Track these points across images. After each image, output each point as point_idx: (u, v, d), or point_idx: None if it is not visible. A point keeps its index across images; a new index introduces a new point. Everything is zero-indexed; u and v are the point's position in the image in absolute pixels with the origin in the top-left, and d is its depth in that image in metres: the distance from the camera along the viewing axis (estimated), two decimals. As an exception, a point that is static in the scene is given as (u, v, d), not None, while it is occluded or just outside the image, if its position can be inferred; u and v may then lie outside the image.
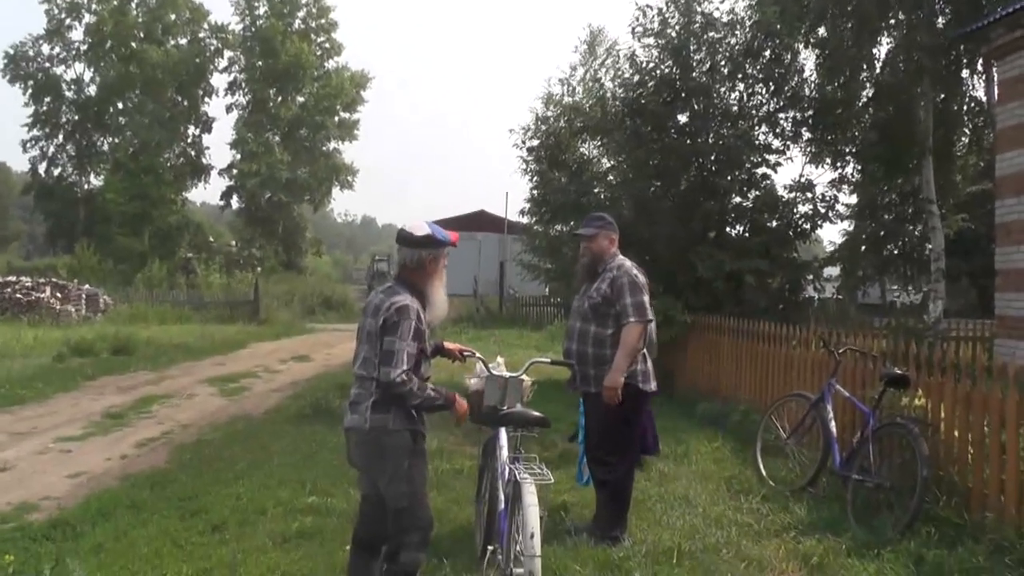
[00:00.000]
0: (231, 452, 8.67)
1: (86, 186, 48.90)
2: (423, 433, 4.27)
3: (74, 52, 48.41)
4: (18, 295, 25.07)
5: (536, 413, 4.69)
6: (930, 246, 13.15)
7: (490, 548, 4.53)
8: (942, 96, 13.73)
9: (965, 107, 14.84)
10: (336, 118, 51.49)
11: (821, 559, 5.43)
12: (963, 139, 15.60)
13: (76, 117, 48.57)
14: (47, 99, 48.09)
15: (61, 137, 48.80)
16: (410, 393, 4.05)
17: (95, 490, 7.26)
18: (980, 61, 12.95)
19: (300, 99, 50.58)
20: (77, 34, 48.14)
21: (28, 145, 48.40)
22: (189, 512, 6.46)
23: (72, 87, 48.79)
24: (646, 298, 5.70)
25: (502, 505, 4.41)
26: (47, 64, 48.31)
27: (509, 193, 66.74)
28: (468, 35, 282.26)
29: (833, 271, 16.98)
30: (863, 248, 16.27)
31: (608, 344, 5.68)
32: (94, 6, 47.29)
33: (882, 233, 15.93)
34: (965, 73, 13.83)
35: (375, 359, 4.09)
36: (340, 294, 37.14)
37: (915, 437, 6.06)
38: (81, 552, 5.51)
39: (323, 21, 51.41)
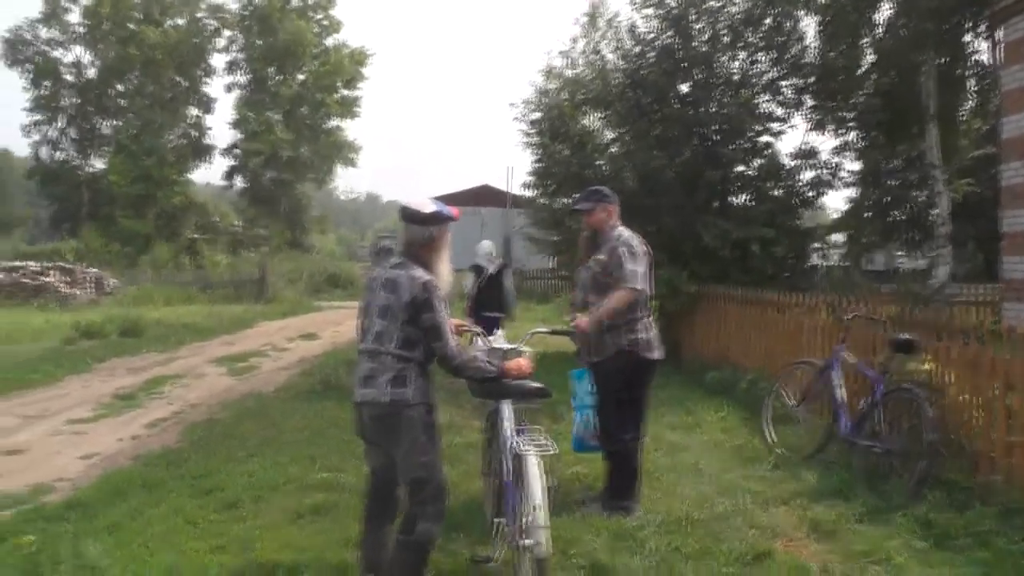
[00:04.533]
0: (242, 430, 8.74)
1: (89, 169, 48.79)
2: (436, 406, 4.32)
3: (72, 35, 48.23)
4: (26, 279, 25.20)
5: (536, 384, 4.70)
6: (935, 211, 13.08)
7: (499, 521, 4.57)
8: (945, 60, 13.60)
9: (969, 71, 14.71)
10: (337, 95, 51.28)
11: (831, 525, 5.47)
12: (968, 103, 15.47)
13: (77, 100, 48.40)
14: (47, 83, 47.93)
15: (63, 121, 48.64)
16: (464, 365, 4.24)
17: (108, 470, 7.32)
18: (984, 24, 12.82)
19: (300, 77, 50.34)
20: (75, 16, 47.94)
21: (30, 129, 48.36)
22: (202, 490, 6.51)
23: (72, 70, 48.63)
24: (642, 268, 5.72)
25: (508, 478, 4.44)
26: (45, 48, 48.11)
27: (512, 167, 66.92)
28: (468, 7, 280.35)
29: (838, 238, 16.95)
30: (868, 214, 16.19)
31: (609, 314, 5.71)
32: (91, -12, 47.06)
33: (887, 199, 15.82)
34: (969, 36, 13.68)
35: (396, 333, 4.16)
36: (346, 271, 37.13)
37: (922, 401, 6.08)
38: (97, 531, 5.56)
39: (320, -1, 51.15)
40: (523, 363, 4.64)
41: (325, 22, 51.29)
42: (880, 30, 13.75)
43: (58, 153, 48.69)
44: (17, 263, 27.07)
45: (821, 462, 6.94)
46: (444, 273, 4.36)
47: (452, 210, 4.43)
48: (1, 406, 10.33)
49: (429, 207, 4.34)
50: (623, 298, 5.61)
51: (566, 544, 4.99)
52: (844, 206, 17.55)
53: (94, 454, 8.06)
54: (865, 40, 13.94)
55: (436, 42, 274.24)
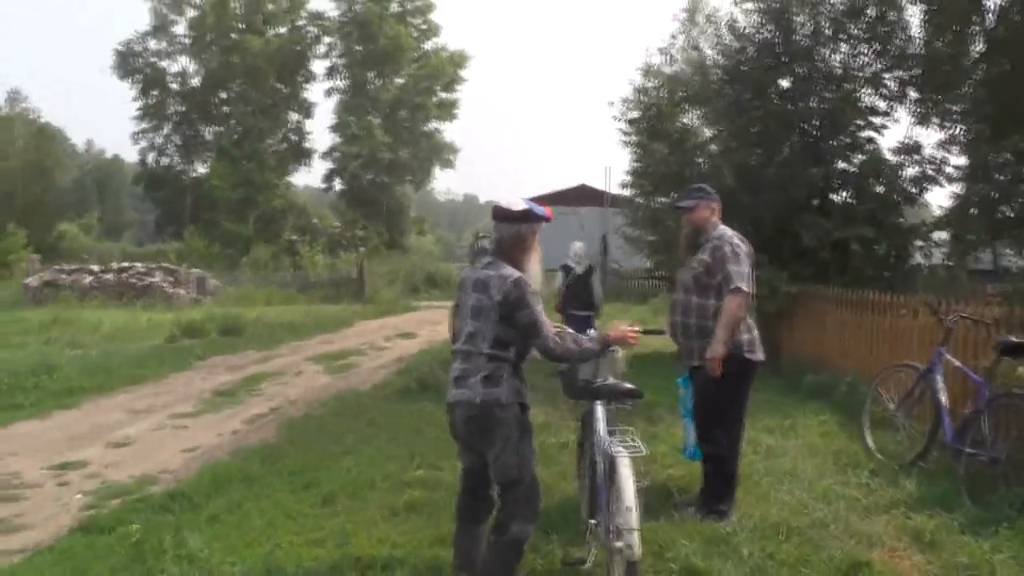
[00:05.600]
0: (339, 427, 8.88)
1: (192, 174, 50.58)
2: (528, 406, 4.33)
3: (178, 46, 50.04)
4: (132, 280, 26.14)
5: (628, 385, 4.68)
6: (1048, 207, 12.54)
7: (592, 522, 4.56)
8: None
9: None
10: (435, 98, 51.96)
11: (933, 536, 5.27)
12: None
13: (182, 108, 50.23)
14: (154, 92, 49.94)
15: (168, 128, 50.58)
16: (568, 352, 4.28)
17: (209, 464, 7.52)
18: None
19: (399, 81, 51.26)
20: (180, 28, 49.84)
21: (138, 137, 50.36)
22: (300, 485, 6.65)
23: (177, 79, 50.51)
24: (747, 268, 5.60)
25: (600, 479, 4.42)
26: (153, 59, 50.12)
27: (610, 167, 66.65)
28: (568, 5, 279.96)
29: (943, 236, 16.36)
30: (974, 211, 15.59)
31: (711, 316, 5.61)
32: (196, 1, 48.68)
33: (995, 195, 15.18)
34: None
35: (488, 333, 4.17)
36: (444, 271, 37.47)
37: (1034, 408, 5.83)
38: (198, 522, 5.74)
39: (419, 3, 51.90)
40: (626, 330, 4.62)
41: (424, 26, 52.11)
42: (992, 17, 13.22)
43: (163, 159, 50.68)
44: (125, 264, 28.12)
45: (922, 469, 6.73)
46: (535, 272, 4.36)
47: (544, 209, 4.42)
48: (110, 401, 10.73)
49: (520, 206, 4.34)
50: (734, 305, 5.50)
51: (660, 547, 4.95)
52: (949, 202, 16.94)
53: (195, 448, 8.31)
54: (975, 28, 13.42)
55: (535, 42, 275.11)
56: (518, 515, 4.18)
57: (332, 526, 5.59)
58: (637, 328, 4.79)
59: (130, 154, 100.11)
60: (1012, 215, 15.32)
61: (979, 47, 13.48)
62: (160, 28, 49.58)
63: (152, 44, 49.98)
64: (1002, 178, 14.91)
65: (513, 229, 4.33)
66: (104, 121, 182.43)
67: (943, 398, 6.89)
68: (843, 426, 8.35)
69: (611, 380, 4.80)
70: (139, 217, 71.40)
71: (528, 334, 4.18)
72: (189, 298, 25.96)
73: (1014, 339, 6.41)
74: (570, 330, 4.74)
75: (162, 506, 6.16)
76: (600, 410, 4.73)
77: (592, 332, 5.18)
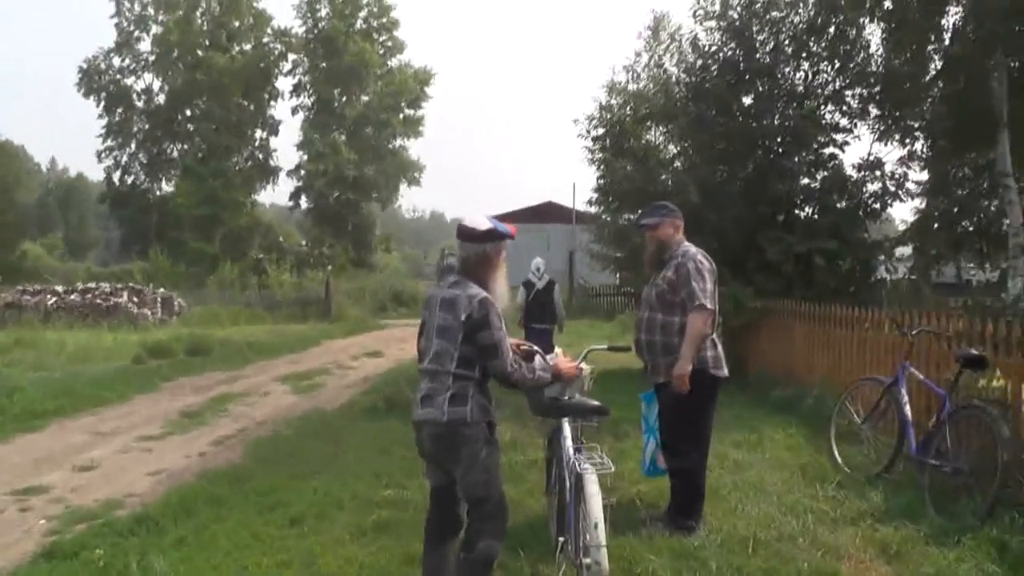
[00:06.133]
0: (306, 447, 8.83)
1: (158, 192, 50.25)
2: (496, 424, 4.33)
3: (143, 63, 49.76)
4: (98, 300, 25.86)
5: (594, 402, 4.70)
6: (1007, 221, 12.74)
7: (561, 539, 4.56)
8: (1017, 64, 13.24)
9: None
10: (401, 115, 52.01)
11: (899, 547, 5.34)
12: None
13: (147, 126, 49.92)
14: (119, 110, 49.59)
15: (133, 146, 50.27)
16: (523, 379, 4.25)
17: (175, 486, 7.44)
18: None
19: (365, 98, 51.23)
20: (145, 45, 49.59)
21: (103, 155, 49.98)
22: (267, 506, 6.60)
23: (142, 97, 50.19)
24: (710, 285, 5.64)
25: (568, 496, 4.43)
26: (118, 76, 49.75)
27: (576, 183, 67.15)
28: (533, 24, 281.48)
29: (905, 251, 16.59)
30: (936, 226, 15.84)
31: (676, 333, 5.62)
32: (161, 17, 48.47)
33: (956, 209, 15.45)
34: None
35: (454, 353, 4.16)
36: (411, 289, 37.42)
37: (994, 420, 5.90)
38: (164, 546, 5.66)
39: (385, 20, 51.99)
40: (569, 366, 4.69)
41: (389, 43, 52.15)
42: (948, 35, 13.46)
43: (128, 177, 50.22)
44: (91, 285, 27.81)
45: (888, 481, 6.80)
46: (501, 290, 4.36)
47: (509, 227, 4.41)
48: (75, 424, 10.58)
49: (484, 224, 4.33)
50: (699, 322, 5.52)
51: (628, 563, 4.96)
52: (911, 217, 17.19)
53: (162, 470, 8.21)
54: (932, 46, 13.66)
55: (500, 60, 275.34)
56: (485, 532, 4.17)
57: (299, 547, 5.54)
58: (579, 365, 4.88)
59: (94, 172, 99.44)
60: (973, 229, 15.57)
61: (936, 64, 13.73)
62: (124, 44, 49.28)
63: (116, 61, 49.71)
64: (962, 193, 15.17)
65: (478, 248, 4.33)
66: (68, 139, 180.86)
67: (907, 411, 6.98)
68: (810, 439, 8.41)
69: (578, 397, 4.83)
70: (104, 236, 70.69)
71: (487, 355, 4.16)
72: (155, 318, 25.73)
73: (975, 352, 6.52)
74: (534, 347, 4.75)
75: (128, 530, 6.07)
76: (567, 427, 4.75)
77: (558, 351, 5.21)
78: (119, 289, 27.06)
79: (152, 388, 13.39)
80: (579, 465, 4.27)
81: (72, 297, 26.11)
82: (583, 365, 5.02)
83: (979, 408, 6.17)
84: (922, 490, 6.26)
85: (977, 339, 6.96)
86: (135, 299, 26.39)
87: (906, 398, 7.06)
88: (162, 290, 28.47)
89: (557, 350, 5.22)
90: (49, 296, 26.03)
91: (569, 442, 4.65)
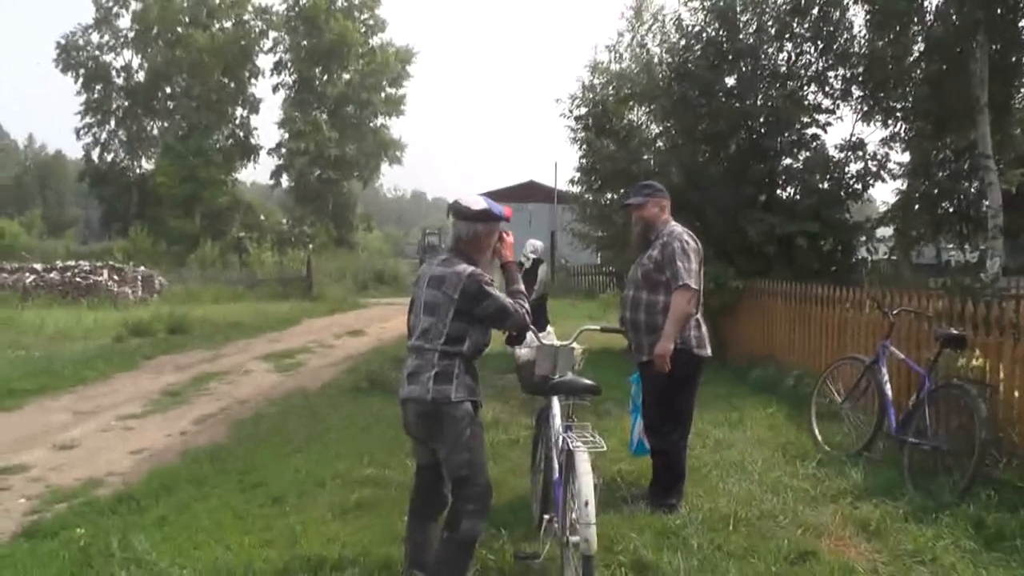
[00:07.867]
0: (288, 426, 8.84)
1: (138, 170, 49.80)
2: (481, 403, 4.33)
3: (122, 39, 49.18)
4: (78, 279, 25.62)
5: (587, 381, 4.70)
6: (987, 202, 12.80)
7: (546, 517, 4.57)
8: (998, 47, 13.28)
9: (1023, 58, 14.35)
10: (382, 94, 51.73)
11: (878, 524, 5.38)
12: (1022, 91, 15.11)
13: (126, 103, 49.44)
14: (98, 87, 49.07)
15: (113, 123, 49.77)
16: (524, 318, 4.30)
17: (157, 465, 7.45)
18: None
19: (346, 76, 50.88)
20: (125, 21, 48.98)
21: (82, 132, 49.48)
22: (249, 485, 6.60)
23: (121, 74, 49.64)
24: (695, 265, 5.64)
25: (556, 474, 4.43)
26: (97, 52, 49.17)
27: (558, 163, 67.22)
28: (514, 3, 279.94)
29: (886, 231, 16.66)
30: (916, 207, 15.90)
31: (660, 312, 5.62)
32: (140, -7, 47.90)
33: (936, 191, 15.50)
34: (1024, 23, 13.34)
35: (441, 329, 4.17)
36: (392, 268, 37.44)
37: (973, 398, 5.97)
38: (146, 525, 5.67)
39: (366, -2, 51.50)
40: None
41: (371, 21, 51.72)
42: (930, 17, 13.49)
43: (108, 155, 49.73)
44: (70, 263, 27.56)
45: (868, 460, 6.86)
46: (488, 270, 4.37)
47: (504, 209, 4.40)
48: (55, 403, 10.52)
49: (479, 204, 4.32)
50: (682, 301, 5.52)
51: (610, 541, 4.97)
52: (892, 198, 17.28)
53: (143, 449, 8.19)
54: (915, 28, 13.68)
55: (483, 39, 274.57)
56: (469, 512, 4.17)
57: (282, 526, 5.54)
58: (572, 344, 4.95)
59: (73, 150, 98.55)
60: (953, 211, 15.65)
61: (919, 46, 13.75)
62: (103, 21, 48.64)
63: (95, 37, 49.10)
64: (943, 175, 15.22)
65: (470, 227, 4.32)
66: (46, 116, 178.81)
67: (888, 390, 7.04)
68: (791, 418, 8.47)
69: (569, 376, 4.82)
70: (83, 214, 70.08)
71: (496, 321, 4.22)
72: (136, 297, 25.53)
73: (954, 331, 6.59)
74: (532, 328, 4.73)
75: (109, 509, 6.08)
76: (556, 406, 4.75)
77: (550, 329, 5.22)
78: (99, 267, 26.81)
79: (133, 367, 13.32)
80: (570, 443, 4.28)
81: (51, 275, 25.84)
82: (575, 344, 5.02)
83: (958, 387, 6.24)
84: (901, 468, 6.32)
85: (956, 318, 7.01)
86: (115, 277, 26.15)
87: (886, 377, 7.12)
88: (143, 268, 28.24)
89: (549, 328, 5.23)
90: (27, 274, 25.76)
91: (559, 420, 4.65)
